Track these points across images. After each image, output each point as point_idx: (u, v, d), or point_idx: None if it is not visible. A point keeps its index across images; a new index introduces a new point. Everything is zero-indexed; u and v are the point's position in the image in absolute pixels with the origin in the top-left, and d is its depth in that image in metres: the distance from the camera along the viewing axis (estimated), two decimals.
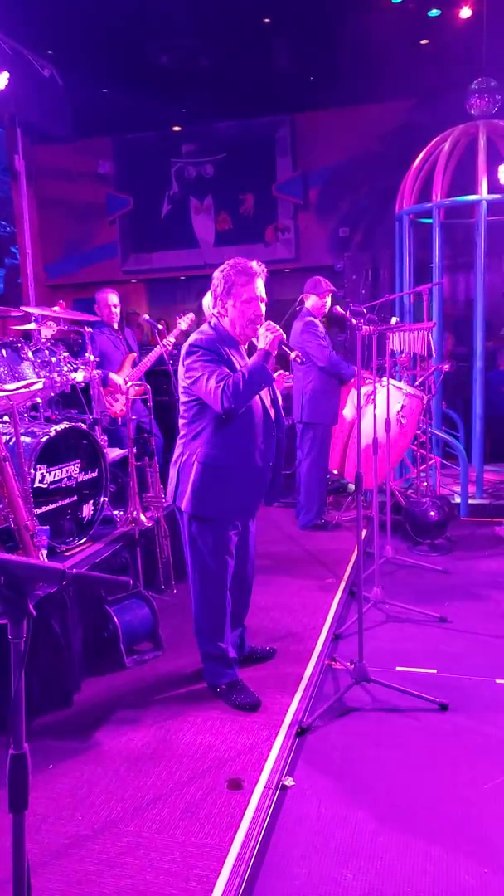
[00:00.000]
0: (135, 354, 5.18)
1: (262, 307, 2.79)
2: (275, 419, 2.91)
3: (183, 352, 2.78)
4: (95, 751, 2.64)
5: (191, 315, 5.14)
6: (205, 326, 2.85)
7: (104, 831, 2.20)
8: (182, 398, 2.85)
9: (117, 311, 5.12)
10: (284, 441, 2.98)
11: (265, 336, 2.70)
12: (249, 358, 2.78)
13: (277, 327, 2.72)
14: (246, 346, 2.87)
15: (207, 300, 4.30)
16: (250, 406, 2.75)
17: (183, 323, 5.06)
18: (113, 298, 5.11)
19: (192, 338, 2.79)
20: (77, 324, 4.27)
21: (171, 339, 4.96)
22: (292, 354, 2.74)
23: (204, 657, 2.99)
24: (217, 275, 2.79)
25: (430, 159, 5.87)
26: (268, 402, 2.86)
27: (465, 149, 5.81)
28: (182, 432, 2.89)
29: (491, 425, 6.06)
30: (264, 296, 2.79)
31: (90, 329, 4.25)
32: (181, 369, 2.79)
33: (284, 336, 2.74)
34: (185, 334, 4.29)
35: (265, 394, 2.84)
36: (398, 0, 6.25)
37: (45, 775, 2.49)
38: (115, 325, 5.17)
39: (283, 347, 2.73)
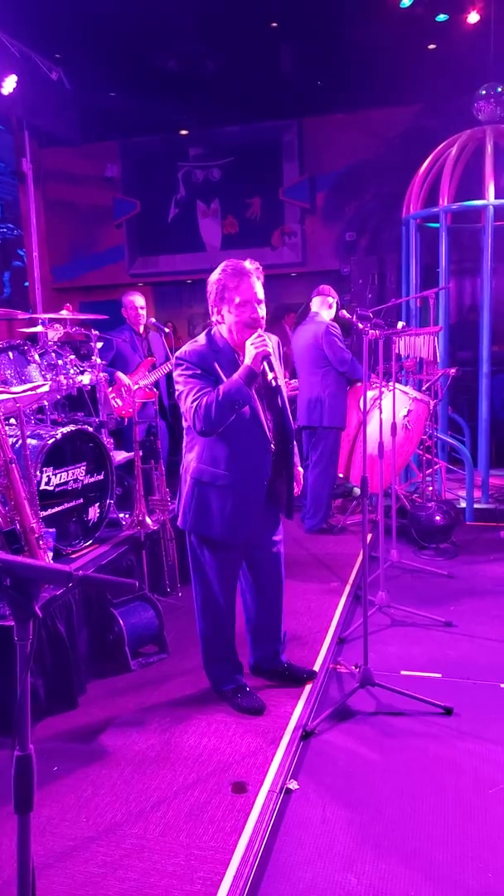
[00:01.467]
0: (153, 359, 5.21)
1: (261, 309, 2.59)
2: (278, 430, 2.75)
3: (174, 362, 2.69)
4: (100, 753, 2.64)
5: None
6: (201, 336, 2.70)
7: (108, 833, 2.21)
8: (187, 415, 2.71)
9: (144, 313, 5.17)
10: (293, 450, 2.86)
11: (250, 351, 2.51)
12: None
13: (266, 341, 2.53)
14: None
15: None
16: (242, 420, 2.59)
17: None
18: (140, 301, 5.17)
19: (183, 349, 2.66)
20: (86, 326, 4.29)
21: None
22: (269, 375, 2.54)
23: (206, 661, 2.98)
24: (210, 279, 2.62)
25: (436, 164, 5.87)
26: (263, 416, 2.67)
27: (472, 154, 5.82)
28: (183, 442, 2.82)
29: (496, 430, 6.05)
30: (261, 296, 2.60)
31: (97, 332, 4.27)
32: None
33: (270, 351, 2.53)
34: None
35: (262, 406, 2.67)
36: (406, 5, 6.26)
37: (49, 777, 2.49)
38: (141, 329, 5.21)
39: (264, 365, 2.52)
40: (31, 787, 1.25)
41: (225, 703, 2.91)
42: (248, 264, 2.59)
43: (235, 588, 2.92)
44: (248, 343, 2.54)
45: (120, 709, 2.94)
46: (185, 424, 2.78)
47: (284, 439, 2.80)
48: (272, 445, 2.74)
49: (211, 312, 2.67)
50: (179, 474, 2.84)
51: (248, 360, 2.53)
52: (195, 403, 2.52)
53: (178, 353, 2.68)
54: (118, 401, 4.86)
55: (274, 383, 2.58)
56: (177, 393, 2.67)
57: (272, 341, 2.65)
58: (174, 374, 2.68)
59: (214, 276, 2.62)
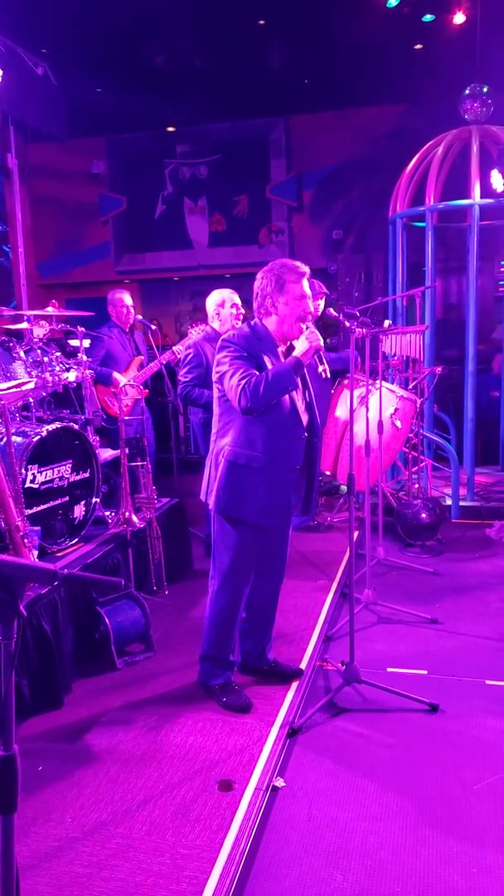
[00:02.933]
0: (142, 357, 5.19)
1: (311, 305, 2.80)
2: (308, 423, 2.87)
3: (218, 345, 2.78)
4: (85, 752, 2.63)
5: (202, 326, 5.15)
6: (243, 325, 2.85)
7: (94, 833, 2.20)
8: (215, 393, 2.83)
9: (133, 311, 5.14)
10: (319, 446, 2.95)
11: (303, 344, 2.68)
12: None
13: (318, 337, 2.70)
14: (284, 349, 2.81)
15: (211, 300, 4.30)
16: (280, 406, 2.72)
17: (195, 332, 5.07)
18: (128, 299, 5.14)
19: (228, 333, 2.78)
20: (72, 323, 4.26)
21: (179, 347, 4.93)
22: (320, 368, 2.71)
23: (203, 656, 2.97)
24: (263, 274, 2.76)
25: (423, 163, 5.89)
26: (300, 405, 2.82)
27: (459, 153, 5.84)
28: (214, 428, 2.87)
29: (482, 428, 6.08)
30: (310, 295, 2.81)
31: (83, 329, 4.24)
32: (214, 364, 2.79)
33: (322, 345, 2.72)
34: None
35: (298, 396, 2.81)
36: (392, 5, 6.27)
37: (34, 777, 2.47)
38: (127, 328, 5.18)
39: (316, 359, 2.72)
40: (15, 788, 1.24)
41: (211, 700, 2.91)
42: (302, 266, 2.75)
43: (250, 581, 2.92)
44: (302, 337, 2.70)
45: (106, 708, 2.93)
46: (216, 410, 2.84)
47: (312, 432, 2.91)
48: (305, 434, 2.86)
49: (262, 302, 2.76)
50: (209, 459, 2.88)
51: (298, 352, 2.69)
52: (243, 381, 2.61)
53: (225, 336, 2.77)
54: (111, 402, 4.85)
55: (325, 375, 2.71)
56: (219, 374, 2.73)
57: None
58: (218, 356, 2.76)
59: (271, 269, 2.74)
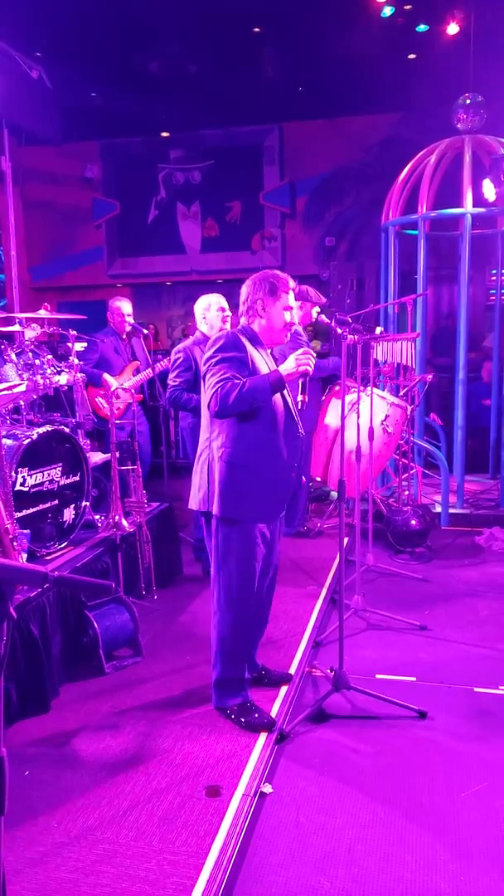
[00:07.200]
0: (138, 363, 5.18)
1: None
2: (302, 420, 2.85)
3: (207, 346, 2.76)
4: (72, 757, 2.61)
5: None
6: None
7: (80, 839, 2.18)
8: (204, 397, 2.76)
9: (130, 320, 5.12)
10: (308, 454, 2.93)
11: (291, 363, 2.63)
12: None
13: (310, 361, 2.64)
14: (270, 352, 2.83)
15: (198, 306, 4.31)
16: (273, 405, 2.69)
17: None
18: (127, 308, 5.12)
19: (218, 335, 2.75)
20: (63, 326, 4.26)
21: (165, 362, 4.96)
22: (300, 397, 2.70)
23: (218, 681, 2.82)
24: (255, 281, 2.78)
25: (416, 172, 5.93)
26: (291, 403, 2.79)
27: (451, 163, 5.88)
28: (206, 434, 2.81)
29: (472, 436, 6.12)
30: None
31: (75, 332, 4.24)
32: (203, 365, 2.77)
33: (311, 371, 2.66)
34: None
35: (288, 394, 2.78)
36: (387, 15, 6.33)
37: (21, 782, 2.45)
38: (124, 335, 5.17)
39: (300, 383, 2.70)
40: (3, 790, 1.23)
41: (227, 721, 2.78)
42: (291, 280, 2.81)
43: (261, 589, 2.87)
44: (294, 355, 2.64)
45: (93, 712, 2.91)
46: (206, 413, 2.79)
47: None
48: (301, 431, 2.84)
49: (251, 305, 2.77)
50: (202, 465, 2.81)
51: (284, 370, 2.64)
52: (218, 385, 2.58)
53: (215, 336, 2.75)
54: (104, 402, 4.84)
55: (301, 406, 2.72)
56: (202, 371, 2.72)
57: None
58: (205, 355, 2.72)
59: (264, 277, 2.76)
